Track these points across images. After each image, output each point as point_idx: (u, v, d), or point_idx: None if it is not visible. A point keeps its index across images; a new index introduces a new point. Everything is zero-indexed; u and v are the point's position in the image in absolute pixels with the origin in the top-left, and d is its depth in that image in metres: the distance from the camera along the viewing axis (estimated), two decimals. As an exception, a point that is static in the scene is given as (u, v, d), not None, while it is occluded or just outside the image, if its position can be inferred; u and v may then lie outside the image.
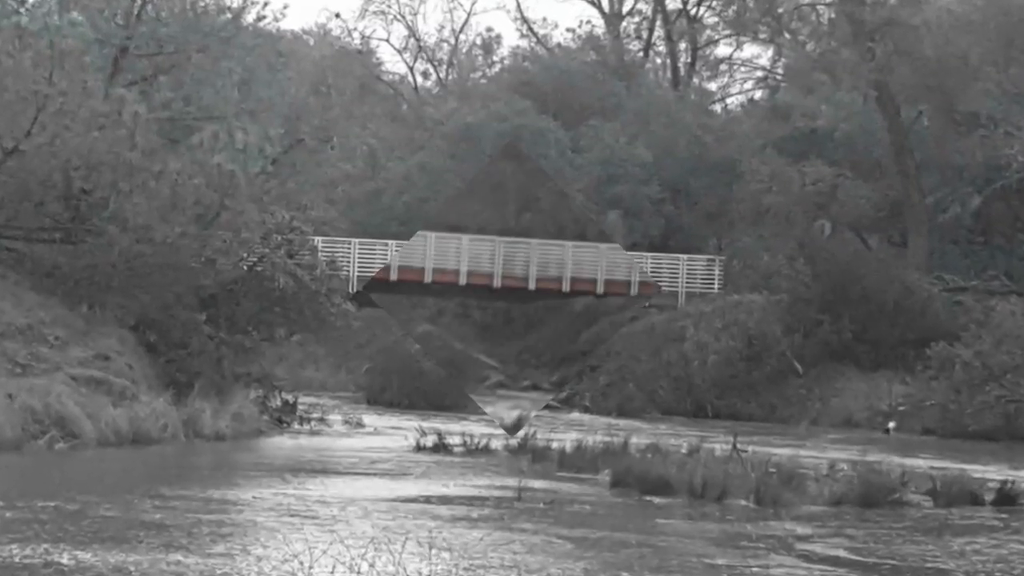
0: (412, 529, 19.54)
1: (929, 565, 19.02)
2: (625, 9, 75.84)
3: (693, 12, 72.92)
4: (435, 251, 57.28)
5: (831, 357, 52.05)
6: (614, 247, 58.51)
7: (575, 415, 50.92)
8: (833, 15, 63.05)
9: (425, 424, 35.40)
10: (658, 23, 74.25)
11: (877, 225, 58.71)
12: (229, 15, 40.56)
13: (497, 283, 57.66)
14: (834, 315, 52.30)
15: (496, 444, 32.64)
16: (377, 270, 55.96)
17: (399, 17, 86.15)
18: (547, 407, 55.19)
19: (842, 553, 19.55)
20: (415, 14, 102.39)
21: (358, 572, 15.89)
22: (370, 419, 42.67)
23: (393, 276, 56.59)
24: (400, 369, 54.43)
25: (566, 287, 58.06)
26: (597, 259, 58.03)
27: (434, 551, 17.37)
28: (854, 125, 59.65)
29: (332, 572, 15.96)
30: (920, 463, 29.30)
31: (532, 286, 57.91)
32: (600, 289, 57.93)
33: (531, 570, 17.18)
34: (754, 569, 18.14)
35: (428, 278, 57.16)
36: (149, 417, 32.11)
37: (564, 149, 63.55)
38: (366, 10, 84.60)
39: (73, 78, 35.03)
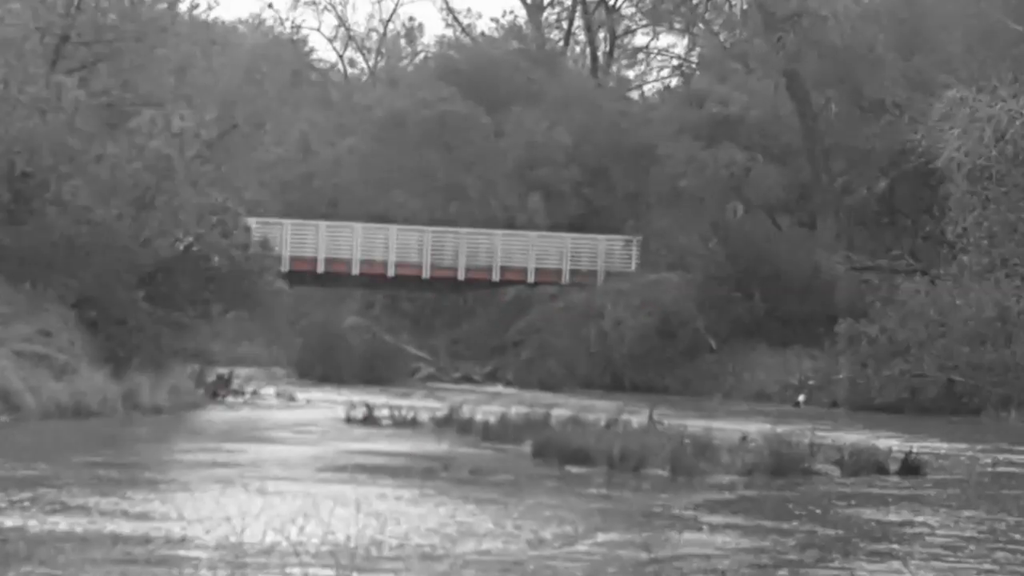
0: (340, 496, 19.92)
1: (835, 532, 19.50)
2: (546, 0, 77.08)
3: (612, 3, 73.85)
4: (362, 242, 56.09)
5: (743, 333, 53.06)
6: (544, 235, 58.06)
7: (498, 389, 51.82)
8: (745, 6, 63.83)
9: (355, 397, 36.09)
10: (578, 13, 75.22)
11: (787, 207, 59.32)
12: (165, 4, 41.26)
13: (426, 274, 56.74)
14: (746, 293, 53.45)
15: (423, 417, 33.03)
16: (307, 251, 55.31)
17: (329, 7, 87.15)
18: (471, 381, 56.39)
19: (751, 521, 19.98)
20: (345, 4, 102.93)
21: (288, 536, 16.27)
22: (302, 393, 43.32)
23: (320, 268, 55.66)
24: (330, 345, 55.40)
25: (496, 276, 57.23)
26: (527, 248, 57.52)
27: (362, 516, 17.63)
28: (765, 111, 60.18)
29: (263, 536, 16.30)
30: (828, 434, 29.40)
31: (462, 276, 56.93)
32: (531, 278, 57.26)
33: (459, 533, 17.66)
34: (668, 534, 18.75)
35: (356, 270, 56.08)
36: (89, 391, 32.98)
37: (488, 134, 63.97)
38: (298, 0, 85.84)
39: (14, 65, 35.83)
